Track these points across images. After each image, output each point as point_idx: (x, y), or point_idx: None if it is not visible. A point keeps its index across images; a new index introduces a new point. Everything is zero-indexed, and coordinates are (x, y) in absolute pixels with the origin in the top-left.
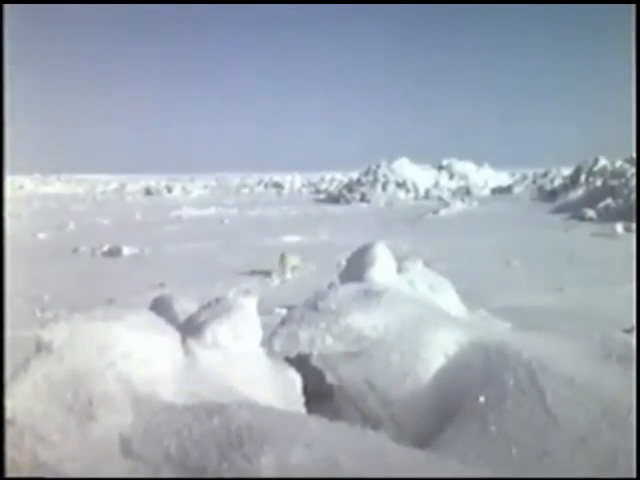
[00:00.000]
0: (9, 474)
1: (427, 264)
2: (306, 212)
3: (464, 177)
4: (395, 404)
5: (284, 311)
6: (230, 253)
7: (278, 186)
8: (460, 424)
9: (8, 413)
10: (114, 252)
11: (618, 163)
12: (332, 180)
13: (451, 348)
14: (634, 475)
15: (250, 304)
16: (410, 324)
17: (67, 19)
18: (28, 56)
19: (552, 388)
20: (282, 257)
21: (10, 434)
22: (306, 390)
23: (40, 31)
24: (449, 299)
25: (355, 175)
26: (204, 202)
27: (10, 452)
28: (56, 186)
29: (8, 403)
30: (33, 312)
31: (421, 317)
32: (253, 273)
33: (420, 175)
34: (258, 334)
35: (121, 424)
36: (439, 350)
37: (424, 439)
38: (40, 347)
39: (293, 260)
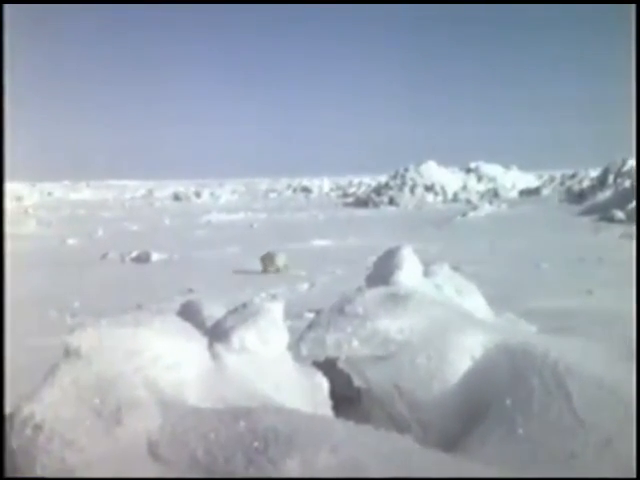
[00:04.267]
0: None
1: (455, 267)
2: (334, 216)
3: (492, 179)
4: (422, 407)
5: (311, 315)
6: (259, 258)
7: (306, 190)
8: (487, 427)
9: (37, 418)
10: (143, 258)
11: None
12: (360, 184)
13: (477, 351)
14: (634, 475)
15: (277, 308)
16: (437, 327)
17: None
18: (55, 62)
19: (578, 390)
20: (269, 256)
21: (39, 439)
22: (333, 394)
23: (73, 34)
24: (476, 302)
25: (383, 179)
26: (233, 207)
27: (39, 457)
28: (85, 193)
29: (37, 408)
30: (63, 318)
31: (448, 320)
32: (282, 277)
33: (448, 178)
34: (285, 338)
35: (149, 428)
36: (466, 353)
37: (451, 442)
38: (68, 353)
39: (280, 259)
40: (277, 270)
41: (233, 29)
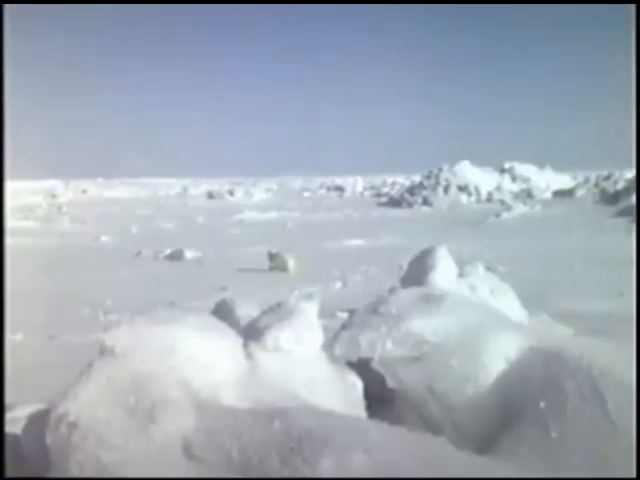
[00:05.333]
0: (74, 475)
1: (488, 268)
2: (368, 215)
3: (526, 180)
4: (455, 409)
5: (345, 315)
6: (286, 256)
7: (340, 189)
8: (521, 430)
9: (72, 416)
10: (176, 256)
11: None
12: (394, 184)
13: (512, 353)
14: (634, 475)
15: (312, 308)
16: (471, 329)
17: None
18: (88, 61)
19: (612, 394)
20: (274, 255)
21: (74, 436)
22: (367, 394)
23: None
24: (510, 303)
25: (417, 178)
26: (266, 206)
27: (74, 454)
28: (119, 190)
29: (72, 406)
30: (96, 316)
31: (482, 322)
32: (316, 276)
33: (482, 178)
34: (319, 338)
35: (183, 428)
36: (499, 355)
37: (485, 444)
38: (103, 351)
39: (286, 259)
40: (290, 267)
41: (263, 24)
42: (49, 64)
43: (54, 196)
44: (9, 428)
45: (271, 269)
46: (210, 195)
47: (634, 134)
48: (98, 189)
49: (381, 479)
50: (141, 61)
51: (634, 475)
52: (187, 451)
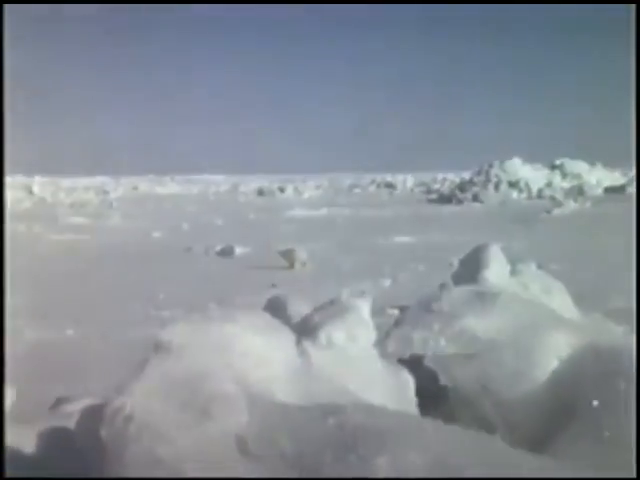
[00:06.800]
0: (129, 468)
1: (540, 266)
2: (418, 212)
3: (577, 176)
4: (509, 407)
5: (395, 312)
6: (343, 253)
7: (390, 186)
8: (574, 429)
9: (128, 410)
10: (227, 252)
11: None
12: (444, 180)
13: (564, 351)
14: (634, 475)
15: (364, 305)
16: (524, 327)
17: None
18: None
19: None
20: (289, 252)
21: (129, 430)
22: (419, 391)
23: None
24: (563, 302)
25: (467, 175)
26: (316, 202)
27: (129, 446)
28: (170, 187)
29: (128, 400)
30: (148, 311)
31: (535, 320)
32: (365, 273)
33: (532, 175)
34: (372, 335)
35: (237, 423)
36: (552, 353)
37: (538, 443)
38: (159, 347)
39: (301, 256)
40: (302, 265)
41: (301, 21)
42: (92, 61)
43: (105, 192)
44: (63, 422)
45: (289, 267)
46: (260, 192)
47: (634, 134)
48: (149, 185)
49: (436, 479)
50: (196, 58)
51: (634, 475)
52: (241, 446)
